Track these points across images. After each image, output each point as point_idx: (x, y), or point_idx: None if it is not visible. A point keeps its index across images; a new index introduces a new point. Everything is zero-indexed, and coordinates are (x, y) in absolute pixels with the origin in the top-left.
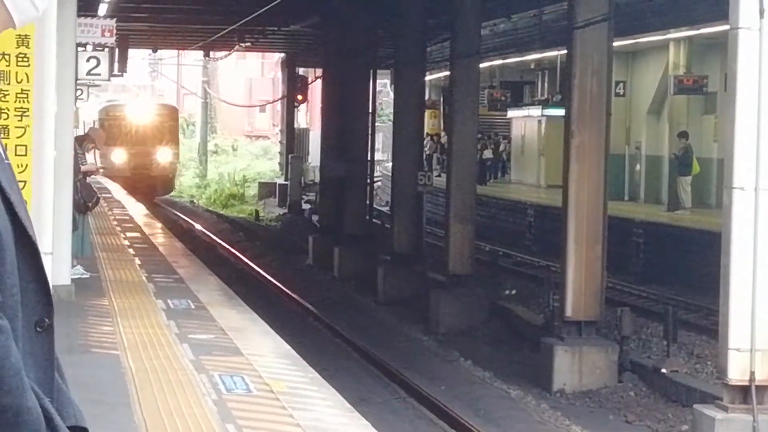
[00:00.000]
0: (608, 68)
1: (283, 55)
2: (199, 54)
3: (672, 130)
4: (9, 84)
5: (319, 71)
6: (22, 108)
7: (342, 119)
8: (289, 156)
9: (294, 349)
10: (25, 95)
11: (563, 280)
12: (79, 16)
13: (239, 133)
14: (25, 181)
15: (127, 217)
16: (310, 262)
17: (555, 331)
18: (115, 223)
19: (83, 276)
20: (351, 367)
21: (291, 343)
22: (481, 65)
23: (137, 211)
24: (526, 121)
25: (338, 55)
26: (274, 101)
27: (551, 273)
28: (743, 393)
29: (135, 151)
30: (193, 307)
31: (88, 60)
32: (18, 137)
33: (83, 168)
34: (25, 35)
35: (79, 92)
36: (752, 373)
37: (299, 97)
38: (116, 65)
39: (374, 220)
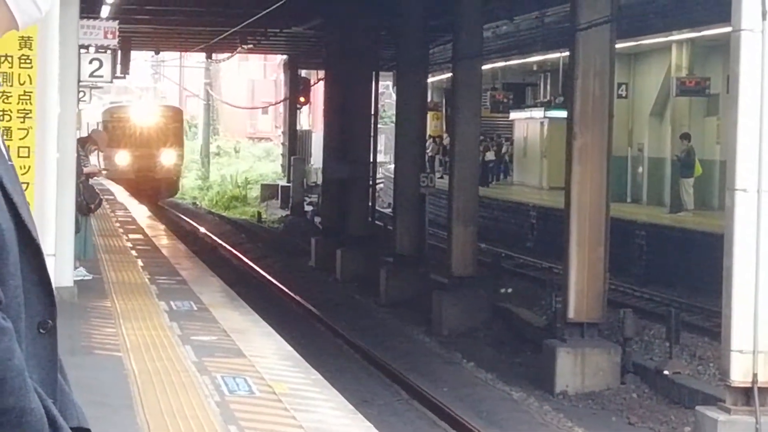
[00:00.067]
0: (611, 70)
1: (285, 56)
2: (202, 56)
3: (674, 132)
4: (12, 86)
5: (321, 73)
6: (24, 110)
7: (344, 121)
8: (292, 158)
9: (296, 350)
10: (27, 97)
11: (566, 281)
12: (81, 17)
13: (242, 135)
14: (27, 183)
15: (130, 219)
16: (312, 264)
17: (557, 333)
18: (118, 224)
19: (86, 278)
20: (353, 369)
21: (293, 344)
22: (484, 67)
23: (140, 212)
24: (528, 123)
25: (340, 56)
26: (276, 103)
27: (554, 275)
28: (746, 395)
29: (139, 153)
30: (195, 308)
31: (90, 62)
32: (21, 139)
33: (86, 170)
34: (28, 37)
35: (81, 94)
36: (755, 375)
37: (301, 98)
38: (119, 67)
39: (377, 222)
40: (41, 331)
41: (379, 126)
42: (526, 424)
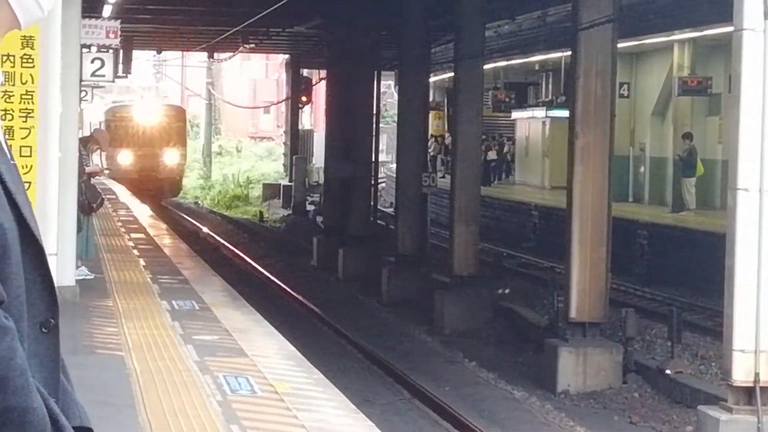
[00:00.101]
0: (612, 69)
1: (287, 56)
2: (204, 55)
3: (676, 132)
4: (14, 85)
5: (323, 72)
6: (26, 109)
7: (346, 120)
8: (294, 157)
9: (298, 350)
10: (29, 96)
11: (568, 281)
12: (83, 17)
13: (243, 135)
14: (29, 182)
15: (132, 218)
16: (314, 263)
17: (559, 333)
18: (120, 224)
19: (88, 277)
20: (355, 368)
21: (295, 344)
22: (486, 66)
23: (142, 212)
24: (530, 123)
25: (342, 56)
26: (278, 102)
27: (555, 274)
28: (748, 394)
29: (142, 152)
30: (197, 308)
31: (92, 61)
32: (23, 138)
33: (87, 169)
34: (30, 36)
35: (83, 93)
36: (756, 374)
37: (303, 98)
38: (121, 66)
39: (378, 222)
40: (43, 330)
41: (380, 125)
42: (527, 423)
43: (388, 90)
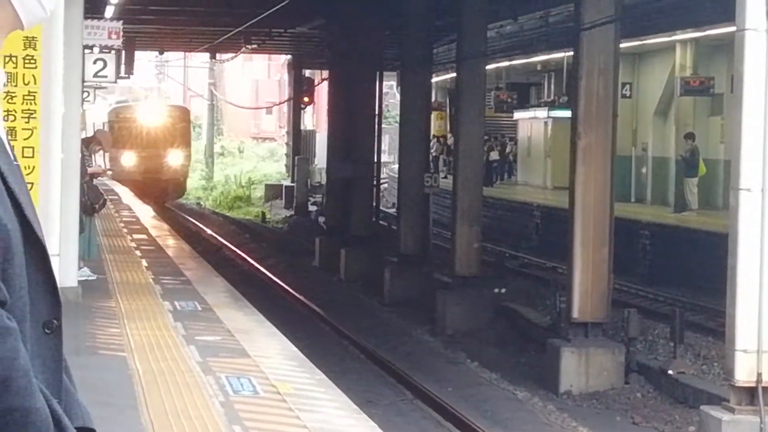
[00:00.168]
0: (615, 70)
1: (289, 56)
2: (206, 56)
3: (678, 132)
4: (16, 86)
5: (325, 73)
6: (29, 110)
7: (348, 121)
8: (296, 158)
9: (300, 350)
10: (32, 97)
11: (570, 281)
12: (85, 18)
13: (245, 135)
14: (32, 183)
15: (134, 219)
16: (316, 264)
17: (562, 333)
18: (122, 225)
19: (90, 278)
20: (357, 369)
21: (298, 344)
22: (488, 67)
23: (144, 213)
24: (532, 123)
25: (344, 56)
26: (280, 103)
27: (558, 274)
28: (750, 394)
29: (145, 154)
30: (199, 308)
31: (94, 62)
32: (25, 139)
33: (90, 170)
34: (33, 37)
35: (85, 94)
36: (759, 375)
37: (305, 98)
38: (123, 67)
39: (381, 222)
40: (46, 331)
41: (383, 126)
42: (530, 423)
43: (390, 90)
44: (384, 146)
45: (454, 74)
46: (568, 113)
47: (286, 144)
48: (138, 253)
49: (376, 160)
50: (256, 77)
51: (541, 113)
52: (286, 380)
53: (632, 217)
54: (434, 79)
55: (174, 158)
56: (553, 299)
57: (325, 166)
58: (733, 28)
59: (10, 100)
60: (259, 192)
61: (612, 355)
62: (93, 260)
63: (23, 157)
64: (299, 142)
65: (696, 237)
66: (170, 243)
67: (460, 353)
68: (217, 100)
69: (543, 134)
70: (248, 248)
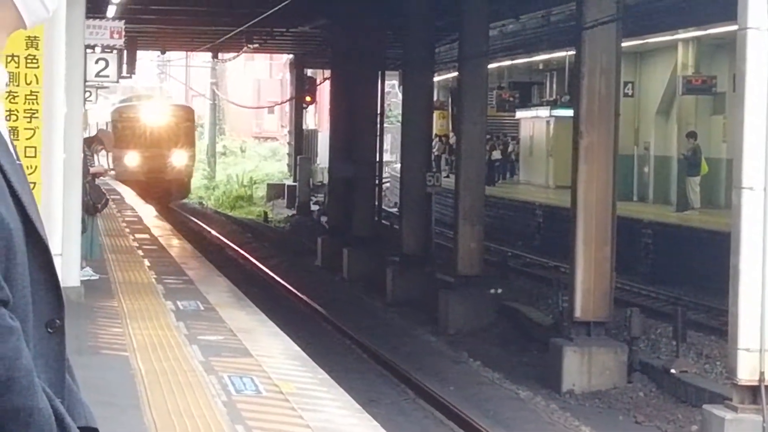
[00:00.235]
0: (617, 69)
1: (291, 56)
2: (208, 55)
3: (681, 131)
4: (18, 86)
5: (327, 72)
6: (31, 110)
7: (350, 120)
8: (298, 157)
9: (303, 350)
10: (34, 97)
11: (572, 280)
12: (87, 17)
13: (248, 135)
14: (34, 183)
15: (136, 219)
16: (318, 264)
17: (564, 332)
18: (124, 224)
19: (92, 278)
20: (360, 368)
21: (300, 344)
22: (490, 66)
23: (146, 212)
24: (534, 122)
25: (346, 56)
26: (282, 102)
27: (560, 273)
28: (753, 393)
29: (149, 154)
30: (202, 308)
31: (96, 62)
32: (27, 139)
33: (92, 170)
34: (35, 37)
35: (87, 94)
36: (762, 374)
37: (307, 98)
38: (125, 67)
39: (383, 222)
40: (49, 330)
41: (385, 125)
42: (532, 423)
43: (392, 90)
44: (386, 146)
45: (456, 73)
46: (570, 112)
47: (288, 143)
48: (140, 252)
49: (378, 159)
50: (258, 77)
51: (543, 112)
52: (289, 380)
53: (634, 216)
54: (436, 79)
55: (178, 158)
56: (556, 298)
57: (327, 165)
58: (735, 27)
59: (12, 100)
60: (261, 191)
61: (614, 354)
62: (95, 260)
63: (25, 156)
64: (301, 142)
65: (698, 236)
66: (172, 242)
67: (462, 353)
68: (219, 99)
69: (545, 133)
70: (250, 248)
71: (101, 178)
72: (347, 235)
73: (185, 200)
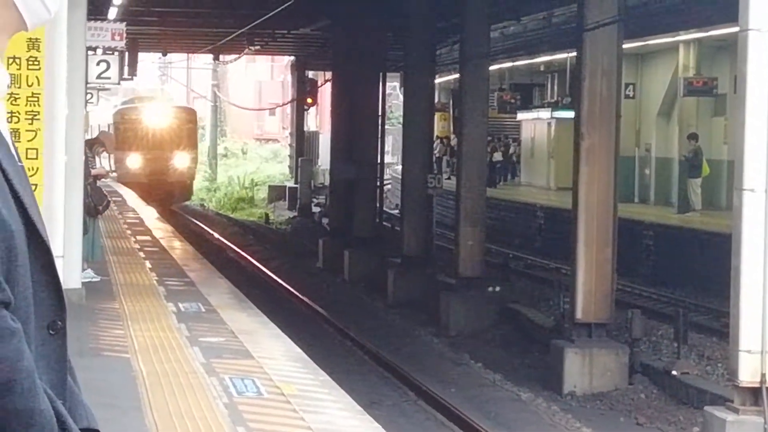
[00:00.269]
0: (618, 70)
1: (292, 58)
2: (209, 57)
3: (682, 132)
4: (20, 88)
5: (328, 74)
6: (32, 111)
7: (352, 122)
8: (299, 159)
9: (304, 351)
10: (35, 99)
11: (573, 282)
12: (89, 19)
13: (249, 137)
14: (36, 185)
15: (138, 221)
16: (320, 265)
17: (565, 334)
18: (126, 226)
19: (94, 279)
20: (361, 370)
21: (301, 346)
22: (491, 68)
23: (147, 214)
24: (535, 124)
25: (348, 58)
26: (283, 104)
27: (561, 275)
28: (754, 395)
29: (151, 156)
30: (203, 310)
31: (98, 63)
32: (29, 140)
33: (93, 171)
34: (36, 39)
35: (89, 96)
36: (763, 375)
37: (309, 100)
38: (126, 69)
39: (384, 223)
40: (51, 332)
41: (386, 127)
42: (534, 424)
43: (393, 91)
44: (387, 147)
45: (458, 75)
46: (571, 114)
47: (290, 145)
48: (141, 254)
49: (379, 161)
50: (259, 78)
51: (545, 114)
52: (290, 381)
53: (635, 217)
54: (437, 80)
55: (180, 160)
56: (557, 300)
57: (328, 167)
58: (736, 29)
59: (13, 102)
60: (262, 193)
61: (616, 355)
62: (97, 262)
63: (27, 158)
64: (302, 144)
65: (699, 237)
66: (174, 244)
67: (463, 354)
68: (221, 101)
69: (546, 135)
70: (252, 249)
71: (102, 179)
72: (348, 237)
73: (187, 202)
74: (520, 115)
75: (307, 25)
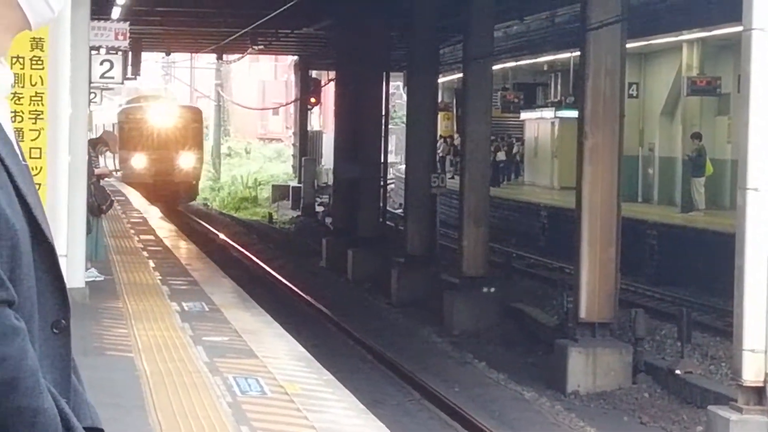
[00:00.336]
0: (621, 70)
1: (296, 57)
2: (212, 57)
3: (685, 132)
4: (23, 87)
5: (332, 74)
6: (36, 111)
7: (355, 122)
8: (303, 159)
9: (308, 351)
10: (39, 98)
11: (577, 281)
12: (92, 19)
13: (252, 136)
14: (39, 184)
15: (141, 220)
16: (323, 265)
17: (569, 333)
18: (129, 226)
19: (97, 279)
20: (365, 369)
21: (305, 345)
22: (494, 67)
23: (151, 214)
24: (539, 123)
25: (351, 57)
26: (287, 104)
27: (565, 274)
28: (758, 394)
29: (156, 156)
30: (207, 309)
31: (101, 63)
32: (32, 140)
33: (96, 171)
34: (39, 38)
35: (92, 95)
36: (767, 374)
37: (312, 99)
38: (129, 68)
39: (387, 223)
40: (54, 331)
41: (389, 126)
42: (537, 424)
43: (396, 91)
44: (391, 147)
45: (461, 75)
46: (574, 113)
47: (293, 145)
48: (145, 253)
49: (382, 160)
50: (262, 78)
51: (548, 113)
52: (294, 381)
53: (639, 217)
54: (441, 80)
55: (186, 160)
56: (561, 299)
57: (332, 166)
58: (739, 28)
59: (17, 101)
60: (266, 193)
61: (619, 355)
62: (100, 261)
63: (30, 158)
64: (306, 143)
65: (703, 237)
66: (177, 244)
67: (467, 353)
68: (224, 101)
69: (550, 134)
70: (255, 249)
71: (106, 179)
72: (352, 236)
73: (191, 202)
74: (524, 115)
75: (311, 24)
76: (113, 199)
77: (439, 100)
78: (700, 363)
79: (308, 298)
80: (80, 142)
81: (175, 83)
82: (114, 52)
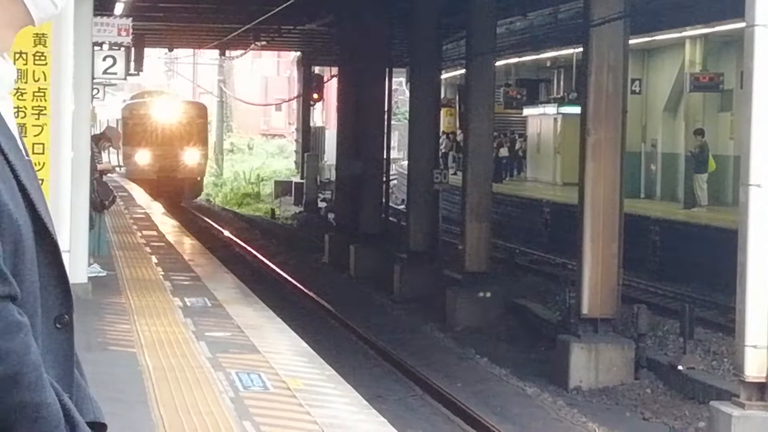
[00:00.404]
0: (624, 66)
1: (298, 53)
2: (215, 53)
3: (688, 128)
4: (26, 83)
5: (334, 70)
6: (39, 106)
7: (358, 118)
8: (305, 154)
9: (310, 346)
10: (42, 94)
11: (580, 277)
12: (95, 15)
13: (255, 132)
14: (42, 179)
15: (144, 216)
16: (326, 261)
17: (571, 329)
18: (132, 221)
19: (100, 274)
20: (367, 365)
21: (307, 340)
22: (497, 63)
23: (154, 209)
24: (541, 119)
25: (354, 53)
26: (289, 100)
27: (567, 270)
28: (760, 390)
29: (160, 152)
30: (209, 305)
31: (104, 59)
32: (35, 135)
33: (99, 166)
34: (42, 34)
35: (95, 91)
36: None
37: (315, 95)
38: (132, 64)
39: (390, 219)
40: (58, 326)
41: (392, 122)
42: (540, 419)
43: (399, 87)
44: (393, 143)
45: (464, 71)
46: (577, 109)
47: (296, 141)
48: (148, 249)
49: (385, 156)
50: (265, 74)
51: (551, 109)
52: (296, 376)
53: (642, 213)
54: (443, 76)
55: (190, 157)
56: (563, 295)
57: (334, 162)
58: (742, 24)
59: (20, 97)
60: (268, 189)
61: (622, 350)
62: (103, 257)
63: (33, 153)
64: (308, 139)
65: (705, 233)
66: (180, 239)
67: (469, 349)
68: (227, 96)
69: (552, 130)
70: (258, 245)
71: (108, 175)
72: (355, 232)
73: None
74: (527, 111)
75: (313, 20)
76: (116, 194)
77: (442, 96)
78: (702, 359)
79: (310, 293)
80: (83, 137)
81: (177, 79)
82: (117, 48)
